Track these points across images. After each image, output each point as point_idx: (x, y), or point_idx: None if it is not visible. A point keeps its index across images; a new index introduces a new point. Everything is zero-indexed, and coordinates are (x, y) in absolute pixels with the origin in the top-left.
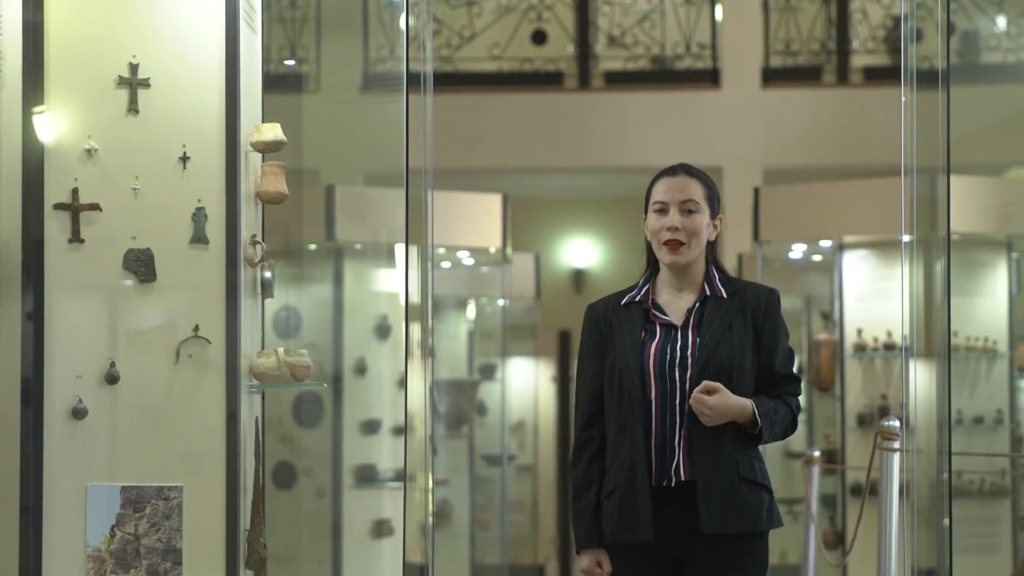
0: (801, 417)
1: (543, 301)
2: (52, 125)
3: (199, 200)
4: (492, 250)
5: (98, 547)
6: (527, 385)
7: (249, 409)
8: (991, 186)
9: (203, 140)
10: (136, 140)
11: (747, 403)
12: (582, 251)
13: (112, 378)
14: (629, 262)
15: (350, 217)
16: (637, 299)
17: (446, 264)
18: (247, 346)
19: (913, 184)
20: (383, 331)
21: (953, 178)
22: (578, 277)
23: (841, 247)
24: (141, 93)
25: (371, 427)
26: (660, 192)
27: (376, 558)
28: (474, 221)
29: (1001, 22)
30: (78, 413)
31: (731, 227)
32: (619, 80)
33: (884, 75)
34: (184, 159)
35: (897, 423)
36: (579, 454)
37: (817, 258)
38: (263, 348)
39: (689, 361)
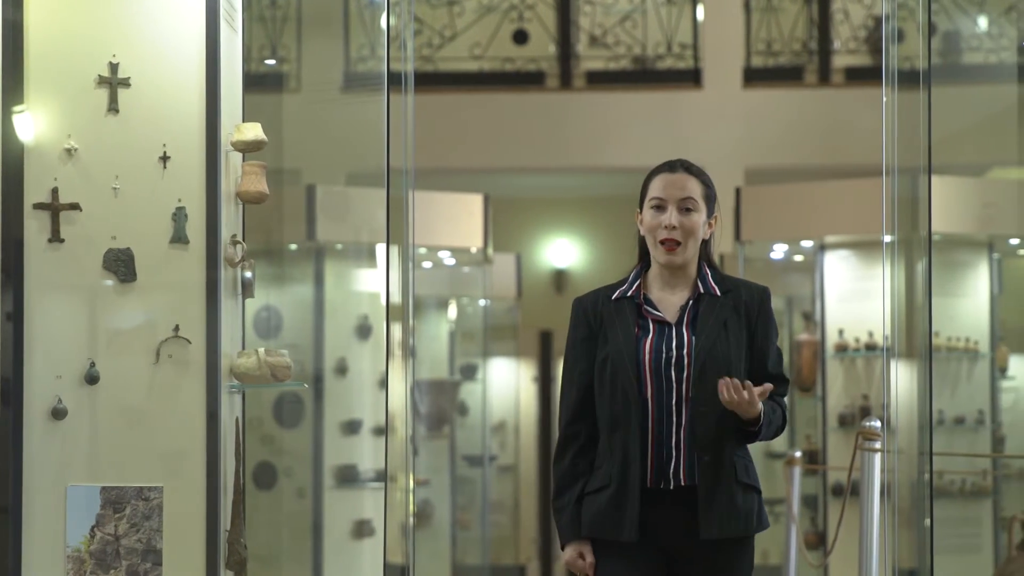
0: None
1: (524, 301)
2: (32, 124)
3: (179, 200)
4: (473, 250)
5: (78, 548)
6: (508, 385)
7: (229, 409)
8: (972, 186)
9: (183, 140)
10: (116, 139)
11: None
12: (563, 251)
13: (92, 378)
14: (611, 262)
15: (331, 217)
16: (628, 294)
17: (427, 264)
18: (227, 346)
19: (894, 184)
20: (364, 331)
21: (934, 178)
22: (559, 277)
23: (822, 247)
24: (121, 92)
25: (352, 427)
26: (658, 188)
27: (357, 558)
28: (455, 221)
29: (982, 22)
30: (58, 413)
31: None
32: (600, 80)
33: (866, 75)
34: (164, 159)
35: (878, 423)
36: (564, 449)
37: (798, 258)
38: (243, 348)
39: (686, 360)
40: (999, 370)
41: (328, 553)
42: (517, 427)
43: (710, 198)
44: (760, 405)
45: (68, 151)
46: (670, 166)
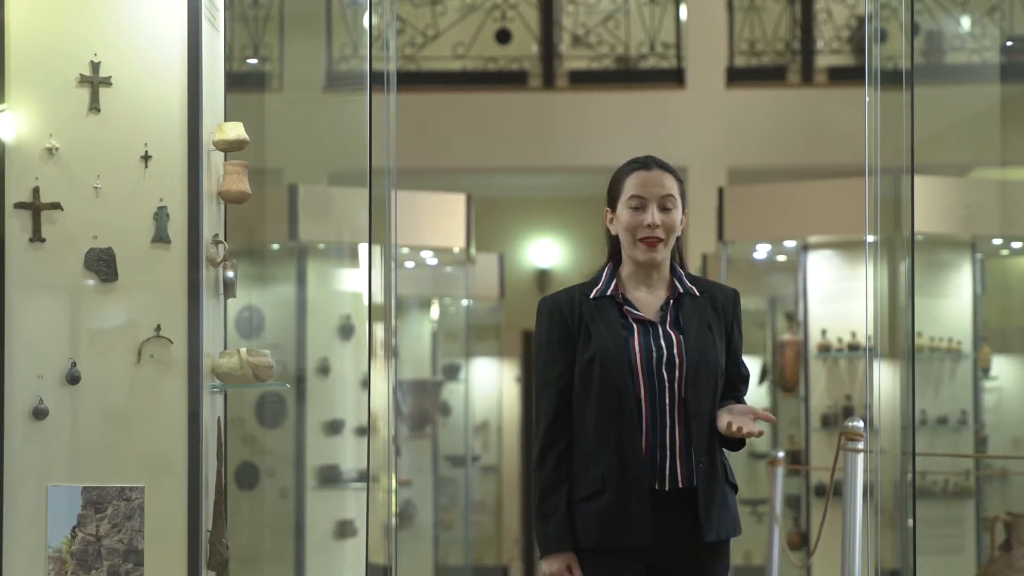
0: None
1: (507, 301)
2: (13, 124)
3: (161, 199)
4: (456, 250)
5: (59, 548)
6: (491, 385)
7: (211, 409)
8: (955, 186)
9: (165, 139)
10: (98, 139)
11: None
12: (546, 251)
13: (73, 378)
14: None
15: (313, 216)
16: (608, 293)
17: (410, 264)
18: (209, 346)
19: (877, 184)
20: (346, 331)
21: (917, 178)
22: (542, 277)
23: (805, 247)
24: (103, 92)
25: (334, 427)
26: (636, 187)
27: (339, 559)
28: (438, 221)
29: (965, 23)
30: (39, 413)
31: (695, 227)
32: (583, 79)
33: (848, 75)
34: (146, 158)
35: (861, 424)
36: (545, 455)
37: (781, 258)
38: (225, 348)
39: (677, 360)
40: (982, 370)
41: (310, 553)
42: (500, 427)
43: (683, 194)
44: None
45: (49, 150)
46: (644, 164)
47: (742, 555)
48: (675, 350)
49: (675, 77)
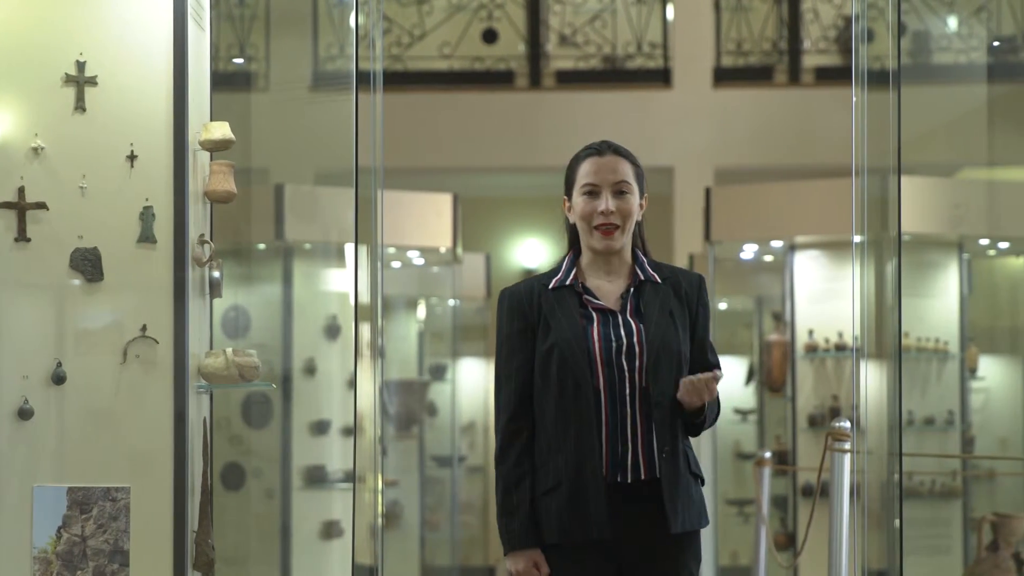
0: (752, 418)
1: (494, 301)
2: None
3: (147, 199)
4: (442, 250)
5: (44, 549)
6: (477, 386)
7: (197, 409)
8: (942, 187)
9: (151, 139)
10: (83, 138)
11: None
12: (533, 251)
13: (59, 378)
14: None
15: (299, 216)
16: (567, 282)
17: (396, 264)
18: (195, 346)
19: (864, 185)
20: (332, 331)
21: (904, 179)
22: (529, 277)
23: (792, 247)
24: (88, 91)
25: (320, 428)
26: (589, 173)
27: (325, 559)
28: (424, 221)
29: (952, 23)
30: (24, 414)
31: (682, 227)
32: (570, 79)
33: (835, 75)
34: (132, 158)
35: (848, 424)
36: (506, 449)
37: (768, 258)
38: (211, 348)
39: (637, 349)
40: (969, 371)
41: (296, 554)
42: (486, 427)
43: (640, 178)
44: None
45: (35, 150)
46: (598, 150)
47: (729, 555)
48: (635, 339)
49: (662, 77)
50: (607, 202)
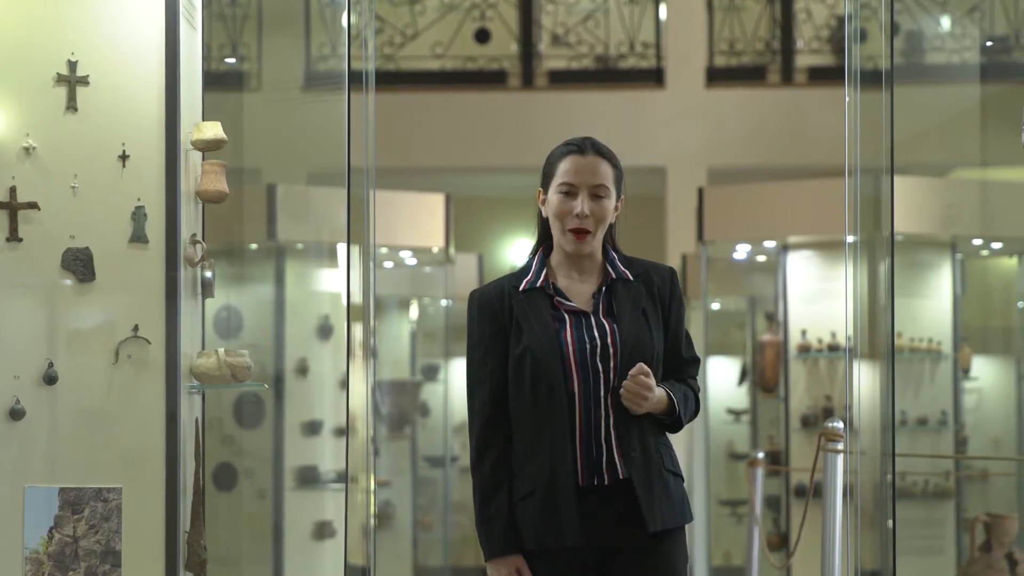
0: (745, 419)
1: None
2: None
3: (139, 199)
4: (435, 250)
5: (36, 549)
6: None
7: (189, 410)
8: (935, 187)
9: (143, 138)
10: (75, 138)
11: (663, 391)
12: (525, 251)
13: (50, 378)
14: None
15: (291, 216)
16: (538, 284)
17: (388, 264)
18: (187, 346)
19: (857, 185)
20: (325, 331)
21: (897, 179)
22: None
23: (785, 247)
24: (80, 91)
25: (313, 428)
26: (568, 172)
27: (318, 560)
28: (417, 221)
29: (945, 23)
30: (16, 414)
31: (675, 227)
32: (563, 79)
33: (828, 75)
34: (123, 157)
35: (841, 424)
36: (483, 455)
37: (761, 259)
38: (203, 348)
39: (611, 350)
40: (962, 371)
41: (289, 554)
42: None
43: (619, 180)
44: (658, 392)
45: (26, 149)
46: (580, 148)
47: (722, 556)
48: (609, 340)
49: (655, 77)
50: (583, 204)
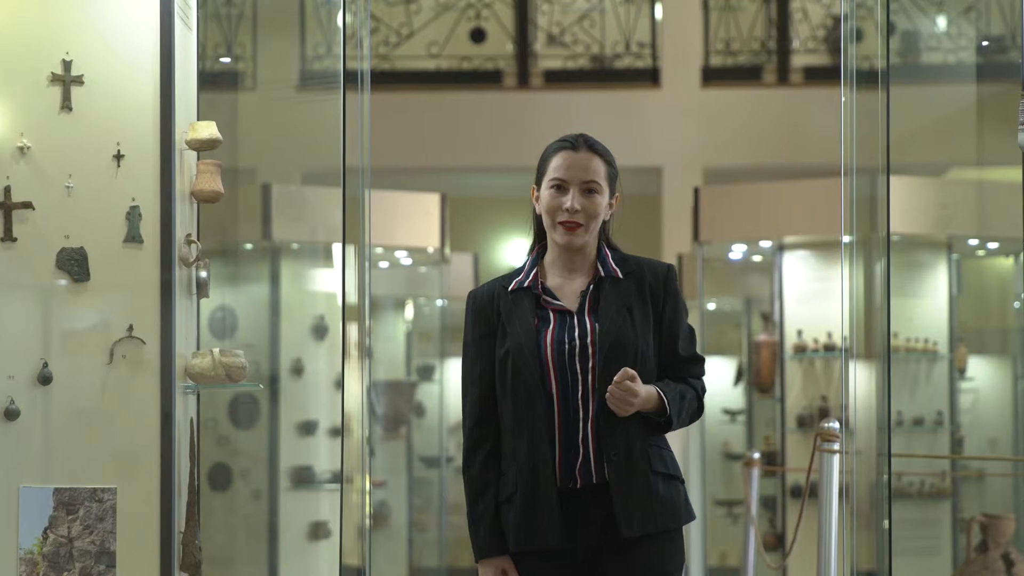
0: (741, 419)
1: None
2: None
3: (133, 199)
4: (430, 250)
5: (30, 550)
6: None
7: (184, 410)
8: (931, 187)
9: (137, 138)
10: (69, 138)
11: (653, 390)
12: (521, 251)
13: (45, 379)
14: None
15: (287, 216)
16: (525, 284)
17: (384, 264)
18: (182, 346)
19: (853, 185)
20: (320, 331)
21: (893, 179)
22: None
23: (781, 248)
24: (74, 90)
25: (308, 428)
26: (559, 168)
27: (313, 560)
28: (412, 221)
29: (942, 22)
30: (10, 414)
31: (671, 227)
32: (558, 79)
33: (824, 75)
34: (118, 157)
35: (837, 425)
36: (472, 455)
37: (757, 259)
38: (198, 348)
39: (590, 350)
40: (958, 371)
41: (284, 555)
42: None
43: (613, 177)
44: (645, 393)
45: (21, 149)
46: (572, 144)
47: (718, 556)
48: (589, 339)
49: (650, 76)
50: (573, 200)
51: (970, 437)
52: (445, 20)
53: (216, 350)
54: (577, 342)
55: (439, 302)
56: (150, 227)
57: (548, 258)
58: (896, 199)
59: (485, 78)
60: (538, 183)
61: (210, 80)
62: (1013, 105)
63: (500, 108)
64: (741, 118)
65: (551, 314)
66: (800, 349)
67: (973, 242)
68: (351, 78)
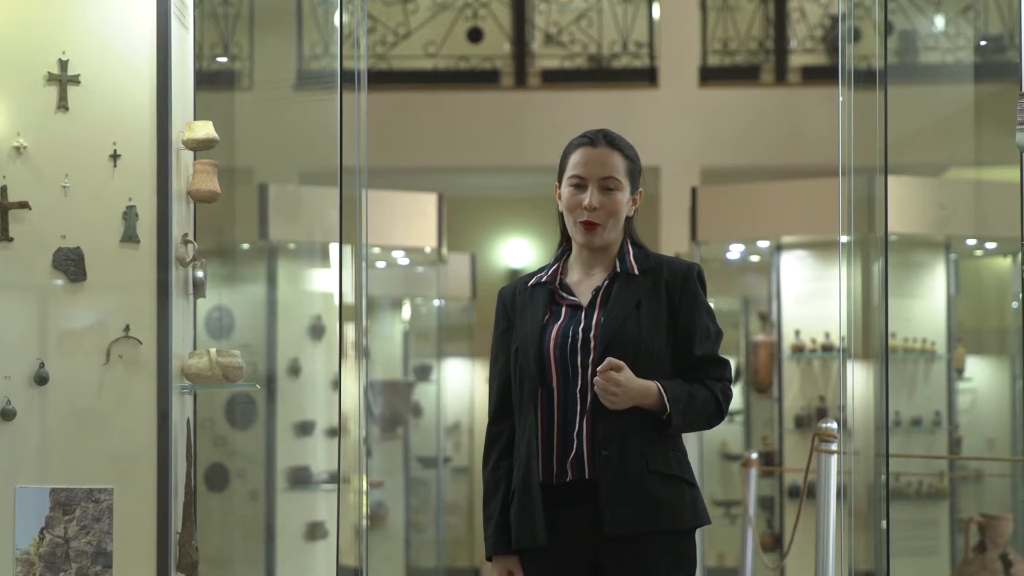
0: (739, 419)
1: (479, 301)
2: None
3: (130, 198)
4: (427, 250)
5: (27, 550)
6: (463, 386)
7: (181, 410)
8: (929, 187)
9: (134, 138)
10: (66, 137)
11: (652, 385)
12: (518, 251)
13: (41, 379)
14: None
15: (284, 216)
16: (544, 279)
17: (381, 264)
18: (179, 346)
19: (851, 185)
20: (317, 331)
21: (891, 179)
22: (514, 277)
23: (779, 248)
24: (71, 90)
25: (305, 428)
26: (578, 165)
27: (310, 561)
28: (409, 220)
29: (939, 22)
30: (7, 414)
31: (668, 227)
32: (556, 78)
33: (822, 75)
34: (115, 157)
35: (835, 425)
36: (487, 453)
37: (755, 259)
38: (195, 348)
39: (592, 344)
40: (956, 371)
41: (281, 555)
42: (472, 428)
43: (634, 173)
44: (638, 387)
45: (17, 149)
46: (591, 139)
47: (716, 556)
48: (591, 334)
49: (648, 76)
50: (591, 197)
51: (968, 437)
52: (442, 20)
53: (213, 350)
54: (580, 336)
55: (436, 302)
56: (146, 227)
57: (572, 255)
58: (894, 199)
59: (482, 78)
60: (560, 180)
61: (207, 80)
62: (1011, 105)
63: (497, 108)
64: (739, 118)
65: (563, 309)
66: (798, 349)
67: (971, 242)
68: (348, 78)
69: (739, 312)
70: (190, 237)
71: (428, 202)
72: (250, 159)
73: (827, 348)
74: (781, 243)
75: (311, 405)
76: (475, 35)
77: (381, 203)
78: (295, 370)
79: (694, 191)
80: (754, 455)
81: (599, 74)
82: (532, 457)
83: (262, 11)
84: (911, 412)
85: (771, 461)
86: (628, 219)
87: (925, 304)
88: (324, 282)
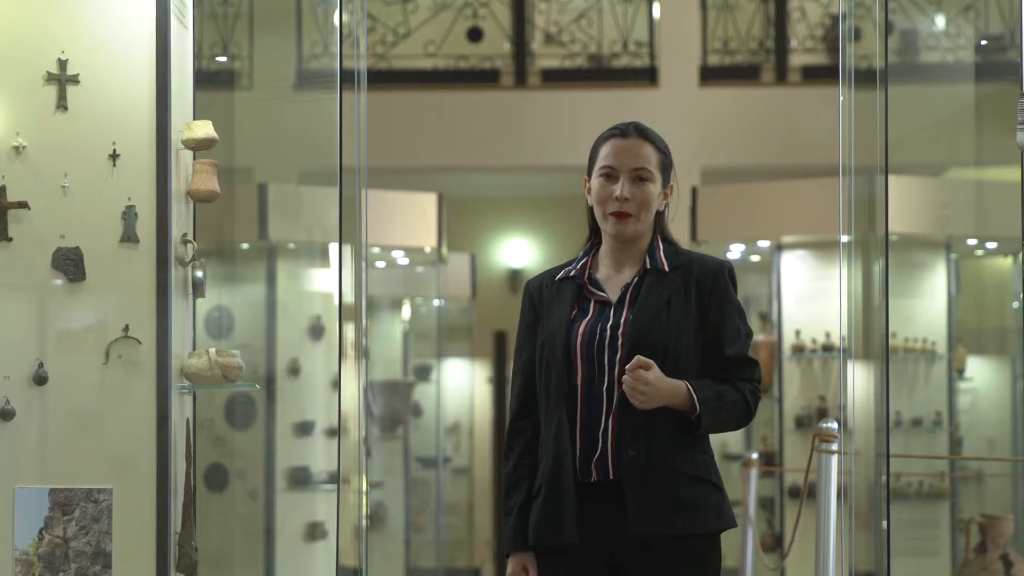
0: None
1: (479, 301)
2: None
3: (129, 198)
4: (427, 250)
5: (26, 551)
6: (463, 386)
7: (180, 410)
8: (930, 187)
9: (133, 137)
10: (65, 137)
11: (681, 384)
12: (518, 251)
13: (40, 379)
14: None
15: (283, 216)
16: (572, 274)
17: (380, 264)
18: (178, 347)
19: (851, 184)
20: (317, 331)
21: (892, 178)
22: (514, 277)
23: (779, 247)
24: (70, 89)
25: (304, 429)
26: (609, 156)
27: (309, 561)
28: (409, 220)
29: (940, 21)
30: (6, 414)
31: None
32: (556, 78)
33: (822, 74)
34: (114, 156)
35: (835, 425)
36: (509, 449)
37: (755, 258)
38: (194, 349)
39: (619, 341)
40: (956, 371)
41: (280, 556)
42: (471, 429)
43: (666, 166)
44: (668, 387)
45: (16, 148)
46: (622, 131)
47: None
48: (620, 331)
49: (648, 76)
50: (623, 188)
51: (969, 437)
52: (442, 19)
53: (212, 350)
54: (608, 333)
55: (436, 302)
56: (146, 227)
57: (602, 250)
58: (894, 199)
59: (482, 77)
60: (589, 174)
61: (206, 79)
62: (1012, 104)
63: (497, 107)
64: (739, 117)
65: (591, 305)
66: (798, 349)
67: (972, 242)
68: (347, 77)
69: None
70: (189, 237)
71: (428, 202)
72: (249, 159)
73: (827, 348)
74: (781, 243)
75: (311, 405)
76: (475, 35)
77: (381, 203)
78: (295, 370)
79: (694, 191)
80: (754, 455)
81: (599, 74)
82: (564, 454)
83: (261, 10)
84: (911, 412)
85: (771, 461)
86: (659, 214)
87: (926, 304)
88: (324, 282)
